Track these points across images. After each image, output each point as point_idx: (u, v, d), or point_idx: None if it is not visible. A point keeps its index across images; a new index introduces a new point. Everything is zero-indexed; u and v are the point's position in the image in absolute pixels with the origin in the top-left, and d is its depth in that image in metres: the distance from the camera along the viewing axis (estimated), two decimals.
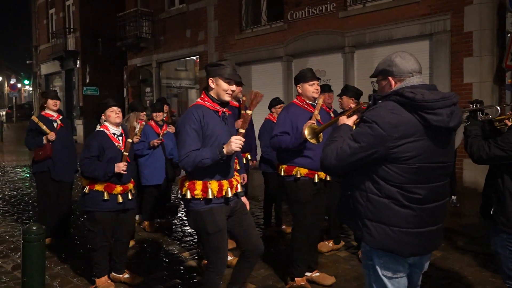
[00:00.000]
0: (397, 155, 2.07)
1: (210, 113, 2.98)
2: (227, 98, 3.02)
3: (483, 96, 7.92)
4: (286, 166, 3.86)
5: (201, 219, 2.96)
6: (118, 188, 3.76)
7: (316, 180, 3.81)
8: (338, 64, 10.35)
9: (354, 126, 2.38)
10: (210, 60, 13.62)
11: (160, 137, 5.72)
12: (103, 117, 3.88)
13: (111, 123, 3.86)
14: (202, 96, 3.08)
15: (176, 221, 6.42)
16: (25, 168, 12.62)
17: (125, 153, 3.73)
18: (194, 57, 15.08)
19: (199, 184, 2.94)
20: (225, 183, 3.00)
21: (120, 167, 3.67)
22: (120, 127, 3.94)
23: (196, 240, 5.50)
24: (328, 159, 2.15)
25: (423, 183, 2.11)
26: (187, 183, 3.01)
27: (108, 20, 18.58)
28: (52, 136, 5.02)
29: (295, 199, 3.82)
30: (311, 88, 3.83)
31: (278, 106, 6.05)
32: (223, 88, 2.97)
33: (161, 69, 16.25)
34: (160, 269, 4.55)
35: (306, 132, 3.16)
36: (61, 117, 5.34)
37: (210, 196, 2.92)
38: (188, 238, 5.61)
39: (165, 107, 6.51)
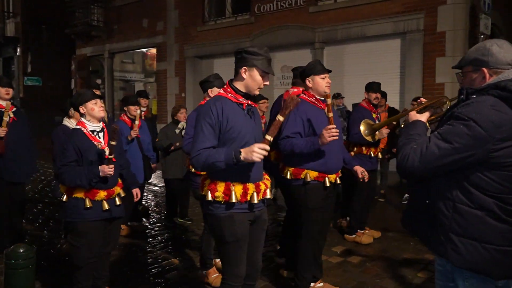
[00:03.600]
0: (498, 160, 1.74)
1: (232, 105, 2.56)
2: (257, 92, 2.64)
3: (455, 96, 7.96)
4: (293, 168, 3.46)
5: (219, 225, 2.57)
6: (102, 194, 3.17)
7: (327, 184, 3.45)
8: (307, 60, 9.86)
9: (428, 124, 2.05)
10: (169, 52, 12.94)
11: (136, 129, 5.17)
12: (81, 110, 3.25)
13: (94, 118, 3.25)
14: (225, 86, 2.66)
15: (151, 226, 5.83)
16: None
17: (110, 156, 3.12)
18: (144, 50, 14.36)
19: (221, 186, 2.55)
20: (251, 186, 2.59)
21: (105, 170, 3.08)
22: (101, 122, 3.34)
23: (171, 247, 4.99)
24: (410, 161, 1.81)
25: None
26: (208, 183, 2.62)
27: (54, 4, 17.20)
28: (1, 132, 4.30)
29: (303, 205, 3.43)
30: (323, 82, 3.46)
31: (261, 102, 5.68)
32: (257, 81, 2.56)
33: (114, 60, 15.27)
34: (144, 282, 4.01)
35: (362, 128, 2.78)
36: (14, 108, 4.60)
37: (233, 200, 2.52)
38: (163, 244, 5.06)
39: (143, 101, 5.89)
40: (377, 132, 2.93)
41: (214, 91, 3.91)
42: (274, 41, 10.53)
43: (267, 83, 2.59)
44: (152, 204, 7.20)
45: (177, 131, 5.59)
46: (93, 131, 3.23)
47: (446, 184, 1.85)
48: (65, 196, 3.18)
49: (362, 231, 5.16)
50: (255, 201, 2.58)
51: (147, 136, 5.61)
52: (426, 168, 1.79)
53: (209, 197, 2.55)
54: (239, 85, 2.59)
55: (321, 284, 3.75)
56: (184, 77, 12.61)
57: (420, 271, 4.30)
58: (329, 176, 3.46)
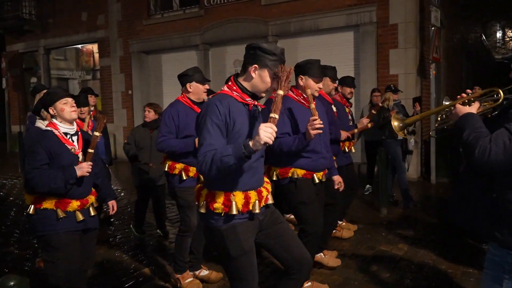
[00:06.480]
0: None
1: (237, 105, 2.30)
2: (264, 94, 2.40)
3: (408, 87, 8.18)
4: (280, 168, 3.31)
5: (222, 239, 2.31)
6: (74, 204, 2.82)
7: (316, 181, 3.32)
8: None
9: None
10: (112, 48, 12.27)
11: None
12: (51, 111, 2.87)
13: (65, 120, 2.89)
14: (230, 83, 2.38)
15: (114, 234, 5.41)
16: None
17: (90, 151, 2.79)
18: (80, 46, 13.57)
19: (219, 196, 2.29)
20: (252, 194, 2.35)
21: (84, 168, 2.75)
22: (75, 124, 2.99)
23: (141, 256, 4.65)
24: (493, 154, 1.74)
25: None
26: (205, 193, 2.35)
27: None
28: None
29: (298, 201, 3.28)
30: (316, 86, 3.34)
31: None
32: (266, 83, 2.32)
33: (50, 56, 14.25)
34: None
35: (395, 123, 2.63)
36: None
37: (234, 212, 2.27)
38: (132, 253, 4.70)
39: (92, 100, 5.42)
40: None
41: (193, 86, 3.65)
42: (225, 34, 10.29)
43: (275, 86, 2.37)
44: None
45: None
46: (66, 134, 2.88)
47: None
48: (32, 208, 2.80)
49: (340, 222, 5.12)
50: (257, 210, 2.34)
51: (100, 138, 5.20)
52: (510, 161, 1.75)
53: (203, 209, 2.31)
54: (245, 84, 2.34)
55: (309, 283, 3.64)
56: (130, 74, 12.01)
57: (399, 261, 4.32)
58: (316, 174, 3.35)
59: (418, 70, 8.29)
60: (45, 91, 4.98)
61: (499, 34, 27.13)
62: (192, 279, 3.75)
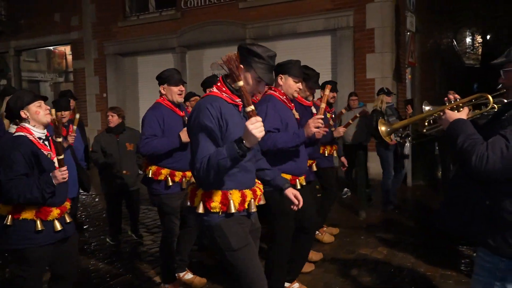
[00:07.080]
0: None
1: (228, 107, 2.27)
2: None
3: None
4: None
5: (222, 233, 2.27)
6: (55, 212, 2.67)
7: (298, 186, 3.28)
8: None
9: None
10: (86, 50, 12.01)
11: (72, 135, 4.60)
12: (23, 115, 2.69)
13: (39, 123, 2.73)
14: (219, 84, 2.33)
15: (88, 241, 5.23)
16: None
17: (59, 157, 2.60)
18: (51, 48, 13.26)
19: (217, 195, 2.26)
20: (248, 193, 2.35)
21: (58, 175, 2.56)
22: (45, 129, 2.83)
23: (117, 263, 4.51)
24: (491, 162, 1.73)
25: None
26: (200, 193, 2.30)
27: None
28: None
29: (280, 211, 3.22)
30: (295, 86, 3.30)
31: (193, 99, 5.33)
32: (250, 85, 2.28)
33: (21, 58, 13.85)
34: None
35: (383, 128, 2.61)
36: None
37: (233, 210, 2.26)
38: (108, 261, 4.56)
39: (72, 103, 5.26)
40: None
41: (165, 88, 3.58)
42: (203, 37, 10.20)
43: (261, 89, 2.34)
44: (83, 216, 6.54)
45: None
46: (39, 138, 2.73)
47: (510, 183, 1.81)
48: (9, 218, 2.61)
49: (321, 228, 5.09)
50: (253, 209, 2.36)
51: (80, 143, 5.02)
52: (507, 168, 1.74)
53: (202, 209, 2.26)
54: (234, 84, 2.29)
55: (297, 285, 3.65)
56: (105, 76, 11.78)
57: (379, 265, 4.32)
58: (299, 178, 3.33)
59: (394, 75, 8.40)
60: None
61: (469, 40, 27.87)
62: (192, 275, 3.77)
